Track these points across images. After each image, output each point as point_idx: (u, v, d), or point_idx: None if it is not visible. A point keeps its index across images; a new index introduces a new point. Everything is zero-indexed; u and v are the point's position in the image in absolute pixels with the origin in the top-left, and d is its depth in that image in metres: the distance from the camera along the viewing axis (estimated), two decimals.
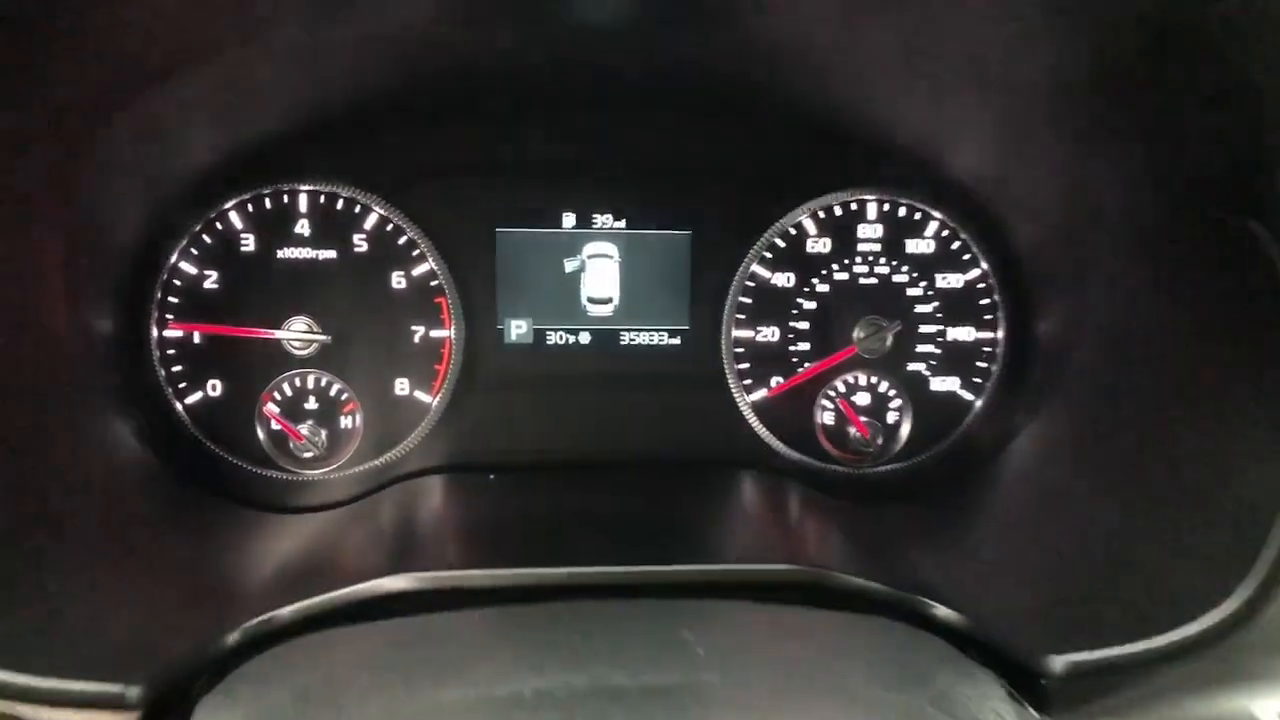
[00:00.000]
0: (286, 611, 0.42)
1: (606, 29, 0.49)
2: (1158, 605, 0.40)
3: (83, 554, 0.46)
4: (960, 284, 0.59)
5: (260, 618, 0.42)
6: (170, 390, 0.56)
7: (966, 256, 0.59)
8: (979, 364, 0.59)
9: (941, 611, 0.43)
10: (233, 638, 0.39)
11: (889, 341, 0.58)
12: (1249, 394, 0.40)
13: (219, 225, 0.56)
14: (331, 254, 0.56)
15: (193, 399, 0.56)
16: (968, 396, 0.59)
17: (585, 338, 0.59)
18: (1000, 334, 0.59)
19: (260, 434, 0.57)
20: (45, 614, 0.41)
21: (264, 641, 0.40)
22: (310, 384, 0.56)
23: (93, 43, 0.42)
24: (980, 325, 0.59)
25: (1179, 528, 0.43)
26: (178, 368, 0.56)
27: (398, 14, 0.43)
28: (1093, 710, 0.35)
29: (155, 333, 0.55)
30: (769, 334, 0.59)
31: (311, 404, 0.57)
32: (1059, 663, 0.39)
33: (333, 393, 0.56)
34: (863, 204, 0.58)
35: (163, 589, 0.46)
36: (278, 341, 0.56)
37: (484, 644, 0.34)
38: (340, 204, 0.56)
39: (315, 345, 0.56)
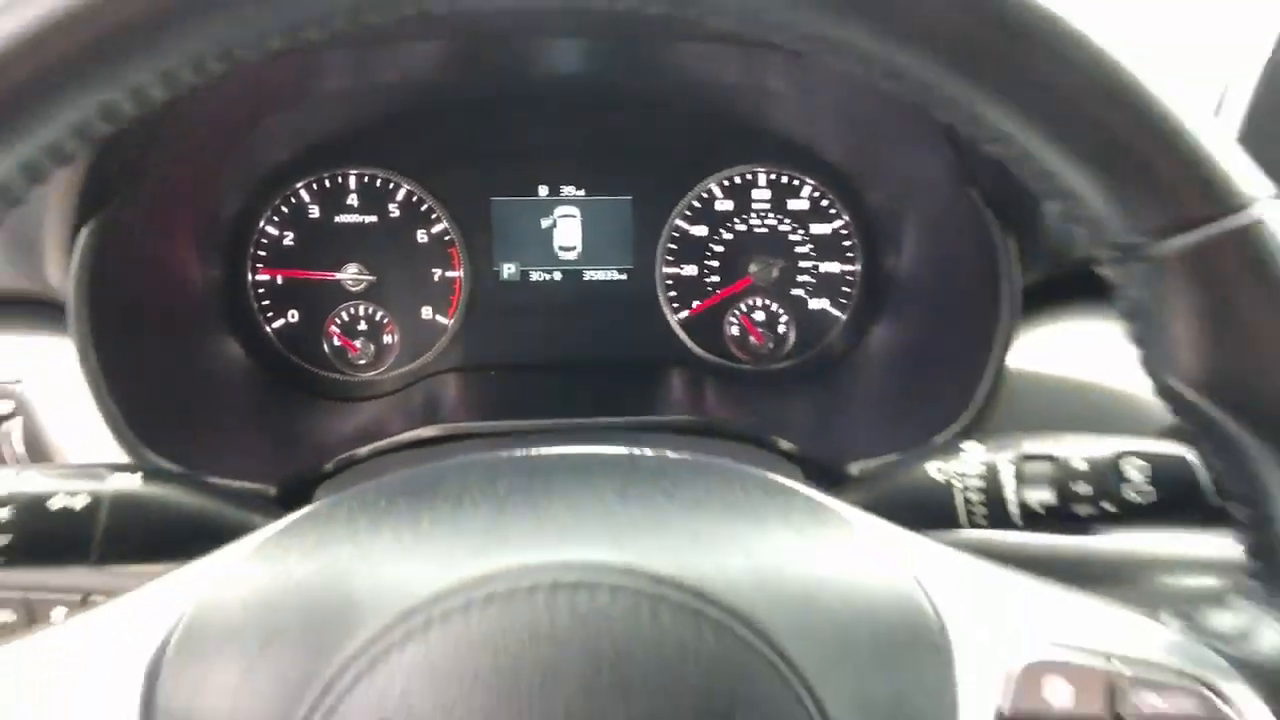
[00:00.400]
0: (363, 450, 0.62)
1: (567, 74, 0.70)
2: (928, 422, 0.61)
3: (217, 419, 0.66)
4: (829, 231, 0.76)
5: (342, 456, 0.63)
6: (262, 318, 0.74)
7: (832, 211, 0.77)
8: (843, 289, 0.77)
9: (785, 445, 0.64)
10: (328, 466, 0.60)
11: (775, 274, 0.77)
12: (993, 301, 0.61)
13: (293, 200, 0.73)
14: (374, 218, 0.74)
15: (278, 324, 0.74)
16: (835, 312, 0.77)
17: (558, 275, 0.77)
18: (858, 267, 0.77)
19: (326, 348, 0.75)
20: (197, 444, 0.60)
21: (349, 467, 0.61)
22: (361, 312, 0.74)
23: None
24: (843, 260, 0.77)
25: (942, 378, 0.64)
26: (266, 301, 0.74)
27: (406, 69, 0.64)
28: (873, 489, 0.56)
29: (251, 277, 0.73)
30: (690, 270, 0.77)
31: (362, 326, 0.75)
32: (855, 468, 0.60)
33: (377, 318, 0.75)
34: (755, 174, 0.76)
35: (272, 442, 0.66)
36: (336, 281, 0.74)
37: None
38: (379, 182, 0.74)
39: (364, 283, 0.74)
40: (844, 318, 0.77)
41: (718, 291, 0.77)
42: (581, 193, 0.76)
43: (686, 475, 0.36)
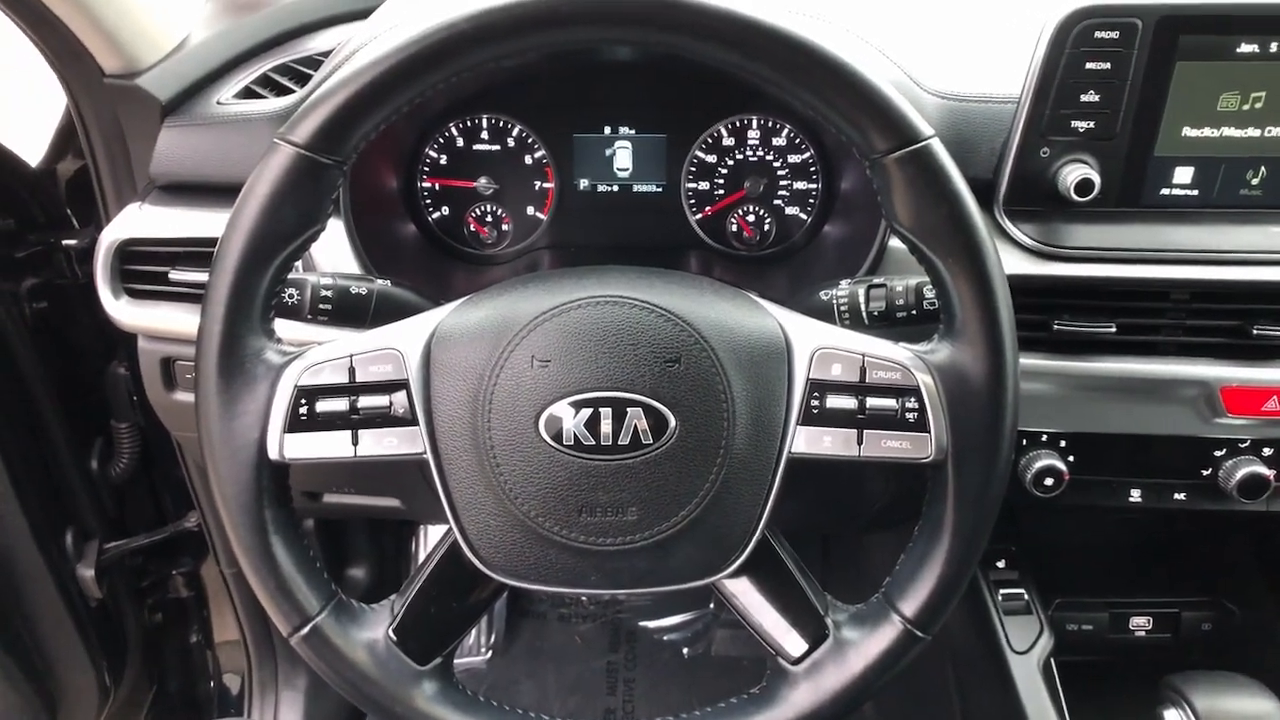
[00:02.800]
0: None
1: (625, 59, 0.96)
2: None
3: (409, 267, 0.99)
4: (799, 160, 0.99)
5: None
6: (427, 210, 1.02)
7: (802, 146, 0.98)
8: (809, 200, 1.00)
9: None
10: None
11: (761, 189, 1.01)
12: None
13: (446, 134, 1.00)
14: (498, 146, 0.99)
15: (435, 215, 1.03)
16: (802, 216, 1.02)
17: (616, 188, 1.01)
18: (818, 185, 1.00)
19: (465, 233, 1.04)
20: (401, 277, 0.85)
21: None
22: (488, 209, 1.00)
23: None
24: (809, 180, 1.00)
25: (861, 255, 0.97)
26: (429, 200, 1.02)
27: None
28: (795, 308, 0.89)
29: (419, 184, 1.02)
30: (704, 185, 1.01)
31: (489, 219, 1.01)
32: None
33: (499, 213, 1.01)
34: (750, 120, 0.99)
35: (436, 288, 1.04)
36: (473, 188, 1.00)
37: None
38: (501, 123, 0.99)
39: (491, 190, 1.01)
40: (808, 220, 1.05)
41: (722, 200, 1.02)
42: (633, 131, 0.99)
43: (677, 275, 0.73)
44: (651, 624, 1.70)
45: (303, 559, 0.63)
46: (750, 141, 1.01)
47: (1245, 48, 0.81)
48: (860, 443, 0.62)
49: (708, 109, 0.99)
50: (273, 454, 0.59)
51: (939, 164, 0.61)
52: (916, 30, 1.01)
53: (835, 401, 0.63)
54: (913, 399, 0.62)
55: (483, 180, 1.01)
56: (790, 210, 1.02)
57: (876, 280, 0.75)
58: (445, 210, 1.02)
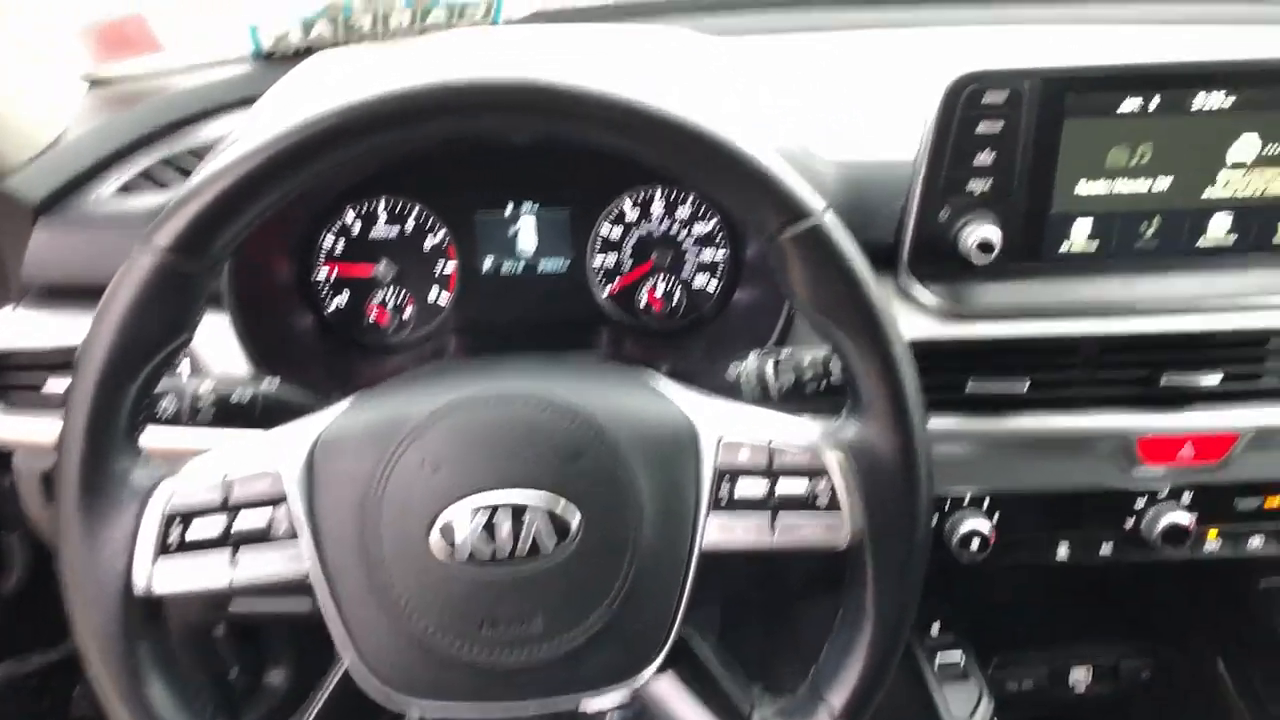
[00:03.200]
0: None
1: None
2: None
3: (303, 362, 0.99)
4: (706, 229, 0.99)
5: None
6: (323, 300, 0.98)
7: (708, 214, 0.98)
8: (718, 269, 0.99)
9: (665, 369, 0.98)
10: None
11: (668, 260, 1.00)
12: None
13: (340, 221, 0.97)
14: (397, 229, 0.97)
15: (332, 305, 0.98)
16: (713, 285, 1.01)
17: (520, 266, 0.99)
18: (727, 253, 1.00)
19: (367, 320, 1.02)
20: (292, 375, 0.88)
21: None
22: (390, 294, 0.97)
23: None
24: (717, 249, 0.99)
25: (769, 324, 0.96)
26: (325, 289, 0.97)
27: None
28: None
29: (315, 273, 0.98)
30: (611, 259, 1.00)
31: (391, 304, 0.98)
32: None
33: (401, 299, 0.99)
34: (654, 191, 0.98)
35: (335, 379, 1.00)
36: (372, 273, 0.97)
37: None
38: (399, 205, 0.97)
39: (391, 274, 0.98)
40: (719, 289, 1.02)
41: (630, 274, 1.00)
42: (536, 207, 0.98)
43: (578, 363, 0.70)
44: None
45: (182, 702, 0.58)
46: (655, 213, 1.00)
47: (1128, 105, 0.83)
48: (773, 529, 0.60)
49: (611, 182, 0.98)
50: (139, 586, 0.54)
51: (833, 239, 0.59)
52: (815, 99, 1.02)
53: (745, 488, 0.61)
54: (824, 480, 0.60)
55: (382, 265, 0.98)
56: (700, 280, 1.02)
57: (783, 353, 0.73)
58: (343, 299, 1.00)
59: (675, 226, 1.00)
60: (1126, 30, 1.28)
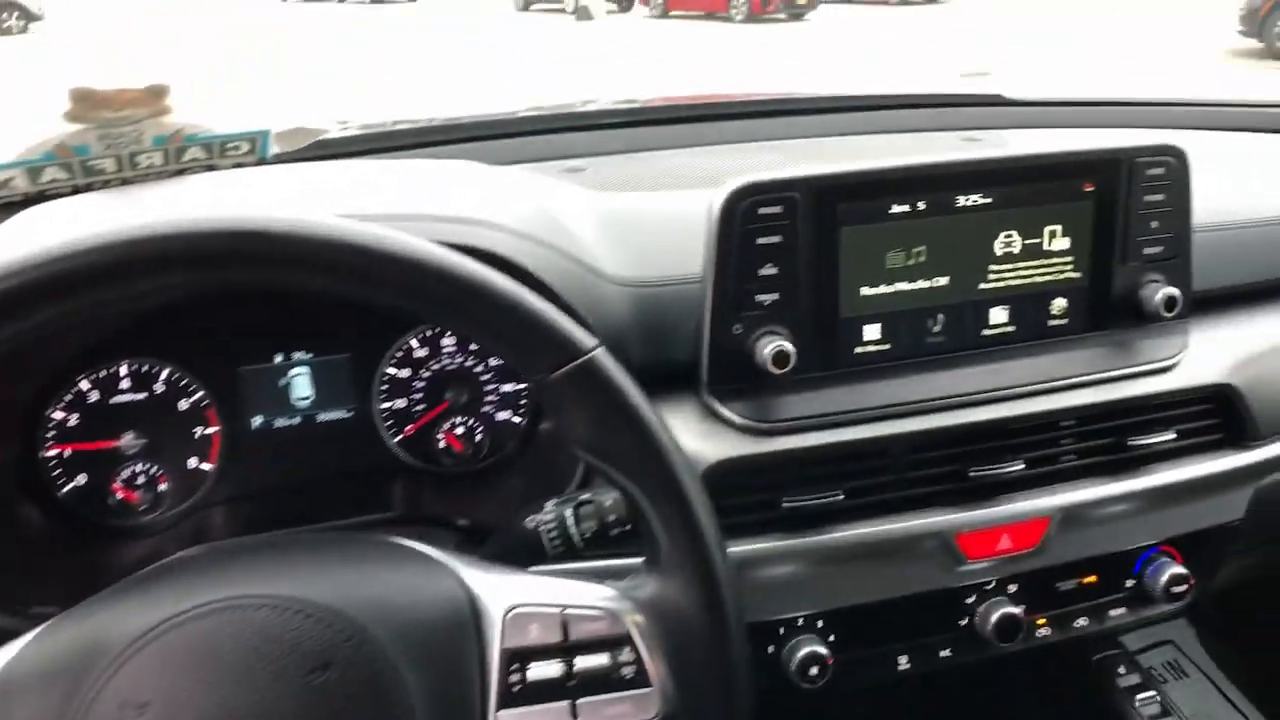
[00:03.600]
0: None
1: None
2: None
3: (25, 568, 0.83)
4: (502, 361, 0.95)
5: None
6: (56, 485, 0.86)
7: None
8: (520, 402, 0.94)
9: (462, 522, 0.89)
10: None
11: (465, 398, 0.94)
12: None
13: (72, 392, 0.85)
14: (144, 394, 0.86)
15: (67, 489, 0.86)
16: (516, 419, 0.96)
17: (297, 420, 0.90)
18: (524, 386, 0.97)
19: (111, 501, 0.87)
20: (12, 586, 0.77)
21: None
22: (138, 469, 0.86)
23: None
24: (516, 381, 0.94)
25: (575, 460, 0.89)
26: (57, 472, 0.85)
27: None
28: (505, 539, 0.80)
29: (43, 454, 0.86)
30: (400, 403, 0.93)
31: (140, 480, 0.87)
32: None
33: (152, 472, 0.87)
34: (440, 329, 0.95)
35: (73, 578, 0.84)
36: (116, 447, 0.86)
37: None
38: (144, 368, 0.86)
39: (138, 447, 0.86)
40: (522, 423, 0.96)
41: (423, 416, 0.93)
42: (310, 355, 0.90)
43: (326, 543, 0.60)
44: None
45: None
46: (446, 349, 0.93)
47: (897, 208, 0.84)
48: (575, 718, 0.52)
49: (392, 322, 0.91)
50: None
51: (607, 377, 0.54)
52: (603, 219, 0.98)
53: (539, 671, 0.53)
54: (626, 650, 0.53)
55: (128, 437, 0.87)
56: (501, 415, 0.95)
57: (583, 497, 0.68)
58: (82, 480, 0.88)
59: (470, 360, 0.94)
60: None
